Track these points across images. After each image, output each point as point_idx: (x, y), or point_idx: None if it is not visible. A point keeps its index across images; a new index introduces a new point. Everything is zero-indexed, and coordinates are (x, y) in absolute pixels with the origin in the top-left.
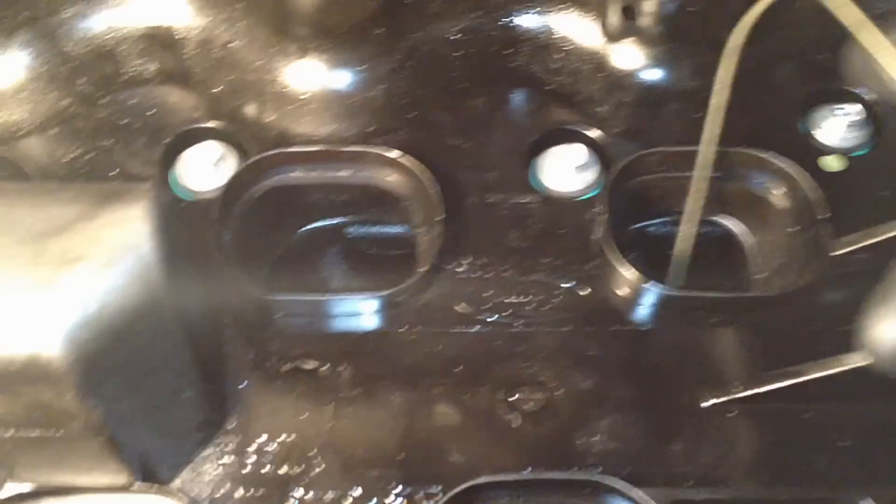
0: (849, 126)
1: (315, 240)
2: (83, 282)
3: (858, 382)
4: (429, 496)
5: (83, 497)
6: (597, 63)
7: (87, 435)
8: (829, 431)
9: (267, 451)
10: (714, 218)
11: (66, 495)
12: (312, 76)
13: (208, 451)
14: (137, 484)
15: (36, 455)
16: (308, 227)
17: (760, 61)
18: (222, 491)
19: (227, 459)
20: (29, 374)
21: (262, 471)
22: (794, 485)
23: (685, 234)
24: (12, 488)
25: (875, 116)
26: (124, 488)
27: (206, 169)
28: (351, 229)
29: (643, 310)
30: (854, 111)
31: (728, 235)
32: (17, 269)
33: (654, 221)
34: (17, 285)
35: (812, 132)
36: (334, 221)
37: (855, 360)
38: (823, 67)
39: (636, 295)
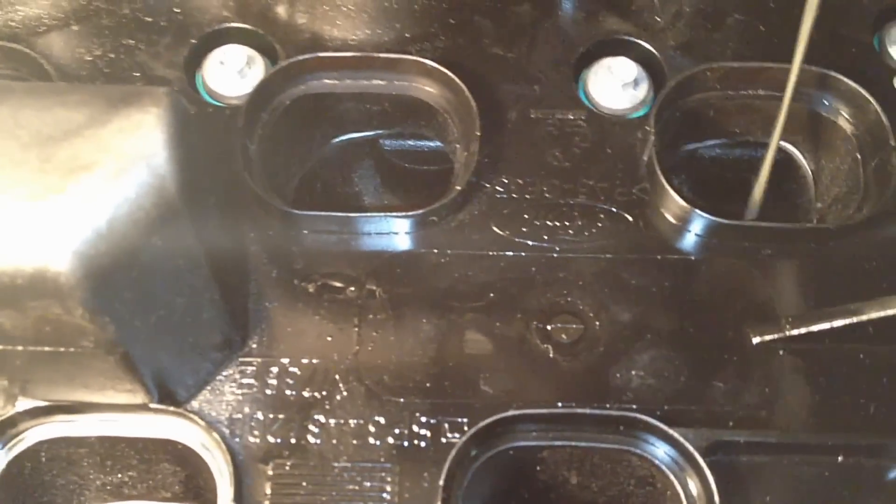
0: None
1: (348, 152)
2: (92, 192)
3: None
4: (454, 427)
5: (97, 415)
6: None
7: (99, 353)
8: (883, 375)
9: (289, 374)
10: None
11: (80, 413)
12: None
13: (228, 372)
14: (153, 405)
15: (49, 371)
16: (340, 138)
17: None
18: (241, 414)
19: (247, 381)
20: (36, 289)
21: (284, 394)
22: (843, 430)
23: (769, 162)
24: (25, 404)
25: None
26: (139, 408)
27: (233, 73)
28: (386, 142)
29: (690, 238)
30: None
31: (791, 160)
32: (22, 175)
33: (707, 143)
34: (22, 193)
35: (888, 49)
36: (368, 134)
37: None
38: None
39: (684, 222)
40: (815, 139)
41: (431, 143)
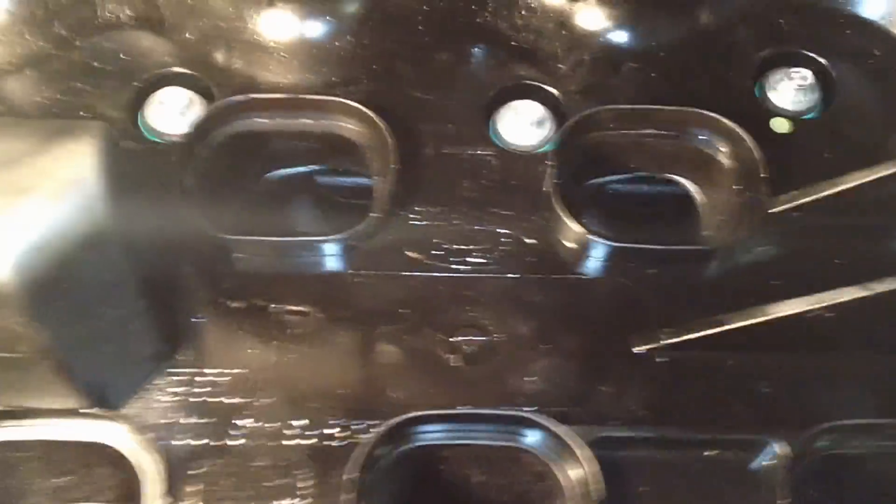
0: (797, 89)
1: (281, 186)
2: (31, 212)
3: (777, 332)
4: (369, 428)
5: (35, 420)
6: (560, 21)
7: (35, 358)
8: (746, 378)
9: (215, 383)
10: (672, 176)
11: (20, 418)
12: (280, 25)
13: (158, 380)
14: (86, 410)
15: None
16: (273, 174)
17: (718, 23)
18: (170, 418)
19: (176, 389)
20: None
21: (210, 400)
22: (712, 427)
23: None
24: None
25: (826, 81)
26: (74, 413)
27: (174, 113)
28: (319, 178)
29: (584, 260)
30: (805, 75)
31: (684, 194)
32: None
33: (609, 178)
34: None
35: (768, 94)
36: (298, 169)
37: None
38: (780, 30)
39: (580, 245)
40: (701, 173)
41: (356, 179)
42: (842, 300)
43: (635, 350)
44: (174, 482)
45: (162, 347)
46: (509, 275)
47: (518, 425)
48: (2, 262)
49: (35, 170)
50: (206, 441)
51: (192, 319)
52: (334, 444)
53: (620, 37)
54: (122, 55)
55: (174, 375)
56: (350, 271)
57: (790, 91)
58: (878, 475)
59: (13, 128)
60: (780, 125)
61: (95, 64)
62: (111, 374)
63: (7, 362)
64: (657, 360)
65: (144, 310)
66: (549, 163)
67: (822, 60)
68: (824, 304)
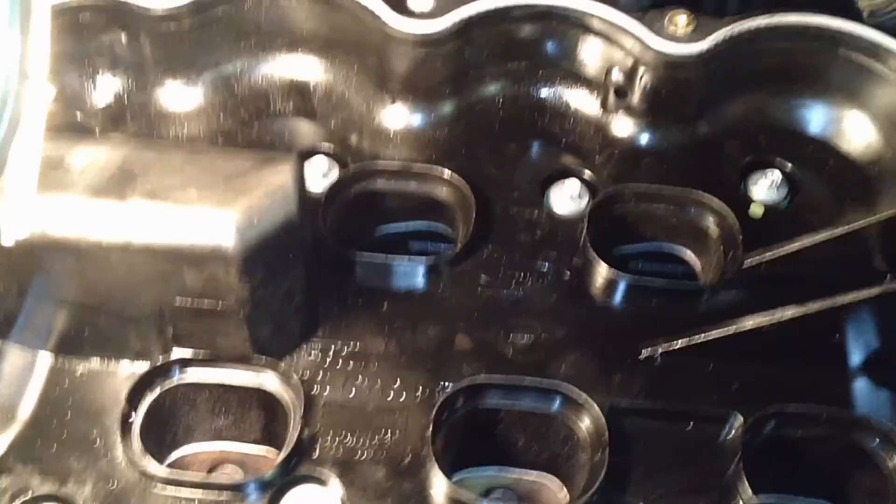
0: (770, 186)
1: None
2: (251, 203)
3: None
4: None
5: (217, 367)
6: (597, 127)
7: (236, 309)
8: (720, 375)
9: (342, 350)
10: (677, 251)
11: (207, 364)
12: (398, 118)
13: (306, 344)
14: (256, 359)
15: (194, 326)
16: (384, 227)
17: (715, 135)
18: (311, 372)
19: (317, 351)
20: (213, 255)
21: (337, 364)
22: (691, 406)
23: None
24: (176, 353)
25: (792, 181)
26: (246, 359)
27: (318, 176)
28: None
29: (608, 291)
30: (776, 176)
31: (684, 260)
32: (214, 192)
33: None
34: (214, 200)
35: (749, 188)
36: (406, 224)
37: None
38: (759, 143)
39: (604, 280)
40: (697, 242)
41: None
42: (786, 316)
43: (641, 355)
44: (310, 417)
45: (310, 322)
46: (551, 295)
47: (552, 393)
48: (231, 233)
49: (254, 180)
50: (331, 391)
51: (330, 306)
52: (413, 399)
53: (640, 140)
54: (285, 134)
55: (315, 341)
56: (439, 287)
57: (765, 187)
58: (815, 452)
59: (239, 153)
60: (756, 210)
61: (268, 139)
62: (277, 333)
63: (214, 314)
64: (656, 362)
65: (303, 290)
66: (583, 223)
67: (790, 166)
68: (774, 320)
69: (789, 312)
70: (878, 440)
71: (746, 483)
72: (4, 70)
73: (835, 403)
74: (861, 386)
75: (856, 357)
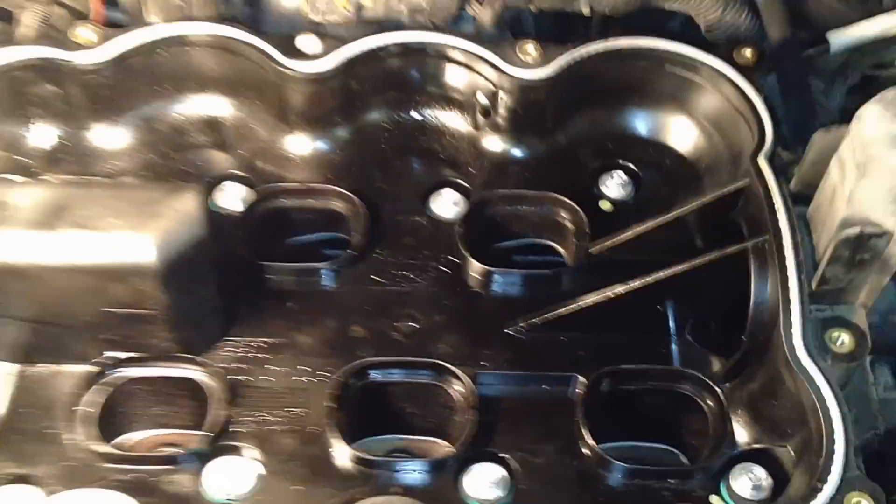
0: (618, 184)
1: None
2: (165, 225)
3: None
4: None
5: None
6: (470, 142)
7: (159, 314)
8: (569, 345)
9: (252, 343)
10: (543, 241)
11: (143, 363)
12: (298, 144)
13: (224, 340)
14: (180, 355)
15: (125, 330)
16: (292, 238)
17: (570, 143)
18: (228, 362)
19: (234, 345)
20: (137, 272)
21: (249, 354)
22: (545, 370)
23: None
24: (113, 354)
25: (636, 179)
26: (170, 357)
27: (235, 198)
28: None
29: (479, 282)
30: (622, 176)
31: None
32: (130, 218)
33: (504, 244)
34: (131, 225)
35: (600, 188)
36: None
37: None
38: (608, 148)
39: (477, 274)
40: (557, 235)
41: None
42: (616, 293)
43: (505, 332)
44: (230, 399)
45: (224, 322)
46: (431, 289)
47: (430, 368)
48: (150, 250)
49: (166, 206)
50: (247, 377)
51: (241, 306)
52: (315, 380)
53: (506, 151)
54: (200, 163)
55: (232, 338)
56: (336, 286)
57: (613, 186)
58: (647, 404)
59: (150, 185)
60: (605, 205)
61: (183, 168)
62: (196, 332)
63: (135, 318)
64: (517, 337)
65: (216, 296)
66: (459, 227)
67: (633, 166)
68: (605, 296)
69: (619, 289)
70: (692, 387)
71: (588, 432)
72: None
73: (661, 362)
74: (681, 346)
75: (674, 323)
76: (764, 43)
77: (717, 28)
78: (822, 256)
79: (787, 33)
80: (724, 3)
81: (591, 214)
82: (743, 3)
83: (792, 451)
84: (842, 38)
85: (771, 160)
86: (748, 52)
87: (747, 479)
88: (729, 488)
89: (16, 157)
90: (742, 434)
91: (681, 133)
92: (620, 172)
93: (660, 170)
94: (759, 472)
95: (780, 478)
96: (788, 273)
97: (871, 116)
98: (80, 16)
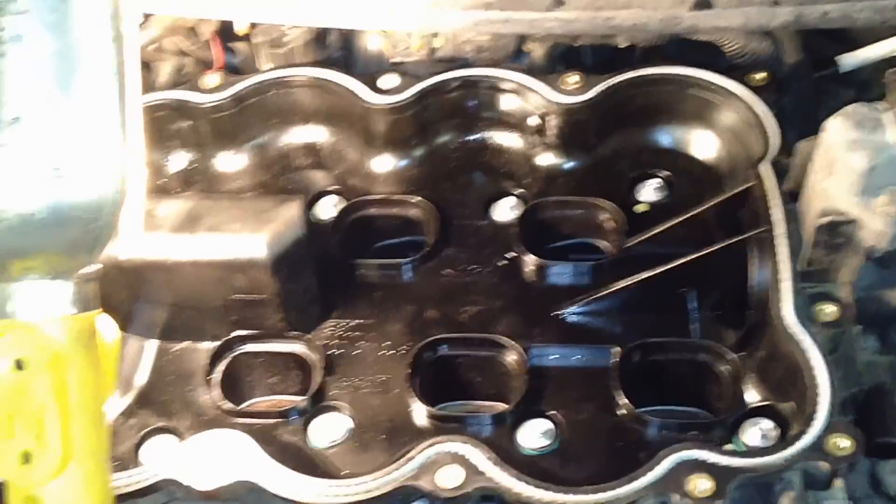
0: (654, 190)
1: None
2: (274, 228)
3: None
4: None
5: (265, 341)
6: (525, 157)
7: (272, 299)
8: (607, 327)
9: (348, 326)
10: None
11: (259, 340)
12: (382, 163)
13: (322, 324)
14: (289, 333)
15: (245, 313)
16: (378, 240)
17: (609, 155)
18: (328, 339)
19: (330, 327)
20: (253, 265)
21: (343, 333)
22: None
23: None
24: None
25: (669, 184)
26: (281, 334)
27: (331, 208)
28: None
29: (535, 274)
30: (658, 182)
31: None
32: (247, 224)
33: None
34: (248, 229)
35: (635, 192)
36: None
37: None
38: (642, 160)
39: (535, 267)
40: (601, 234)
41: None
42: (640, 278)
43: (553, 314)
44: (328, 368)
45: (322, 305)
46: (491, 280)
47: (489, 343)
48: (263, 248)
49: (275, 213)
50: (342, 351)
51: (338, 295)
52: (397, 353)
53: (557, 164)
54: (303, 181)
55: (330, 320)
56: (413, 278)
57: (649, 191)
58: (675, 371)
59: (261, 197)
60: (640, 208)
61: (291, 186)
62: (302, 316)
63: (252, 302)
64: (562, 318)
65: (314, 285)
66: (516, 228)
67: (664, 174)
68: (634, 281)
69: (643, 276)
70: (710, 356)
71: (624, 395)
72: (120, 164)
73: (683, 336)
74: (700, 322)
75: (695, 303)
76: (782, 67)
77: (742, 55)
78: (807, 242)
79: (800, 58)
80: (745, 35)
81: (628, 216)
82: (763, 33)
83: (794, 406)
84: (850, 59)
85: (775, 165)
86: (759, 76)
87: (758, 430)
88: (742, 438)
89: (159, 181)
90: (752, 393)
91: (703, 144)
92: (653, 180)
93: (688, 175)
94: (767, 424)
95: (786, 429)
96: (781, 258)
97: (833, 127)
98: (206, 65)
